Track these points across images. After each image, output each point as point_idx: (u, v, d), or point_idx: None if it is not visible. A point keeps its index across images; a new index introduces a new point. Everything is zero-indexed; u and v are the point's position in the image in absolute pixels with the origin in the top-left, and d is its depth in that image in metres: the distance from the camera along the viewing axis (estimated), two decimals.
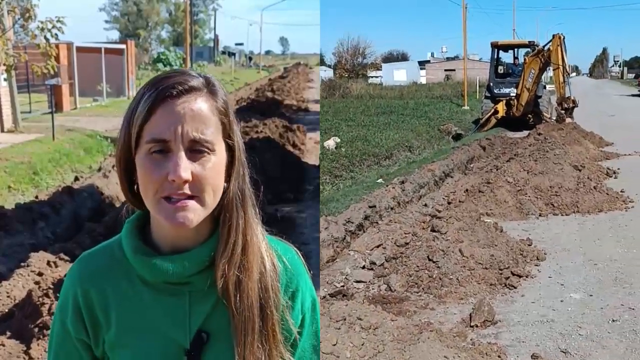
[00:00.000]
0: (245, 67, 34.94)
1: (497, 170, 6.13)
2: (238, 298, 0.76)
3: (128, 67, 15.27)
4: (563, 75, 9.38)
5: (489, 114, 10.98)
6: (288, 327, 0.80)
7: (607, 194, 5.40)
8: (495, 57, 11.54)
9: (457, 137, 10.78)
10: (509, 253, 3.75)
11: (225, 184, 0.77)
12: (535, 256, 3.87)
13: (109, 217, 4.88)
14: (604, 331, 2.82)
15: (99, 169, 7.15)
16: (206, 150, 0.73)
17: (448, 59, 29.31)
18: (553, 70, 9.66)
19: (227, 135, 0.77)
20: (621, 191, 5.48)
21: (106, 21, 48.15)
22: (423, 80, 24.93)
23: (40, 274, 3.52)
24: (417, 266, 3.50)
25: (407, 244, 3.72)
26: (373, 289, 3.44)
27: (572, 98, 9.32)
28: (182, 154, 0.72)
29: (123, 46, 15.64)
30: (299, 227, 4.96)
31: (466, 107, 14.35)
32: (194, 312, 0.78)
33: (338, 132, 8.75)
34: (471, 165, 7.89)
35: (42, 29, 6.67)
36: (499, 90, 11.01)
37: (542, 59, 9.85)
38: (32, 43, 7.31)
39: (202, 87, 0.75)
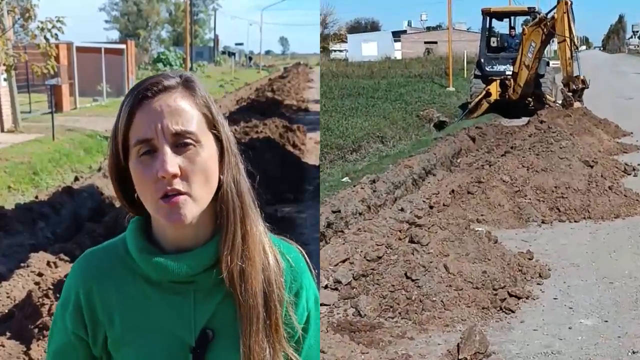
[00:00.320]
0: (245, 67, 34.85)
1: (489, 166, 5.08)
2: (243, 287, 0.77)
3: (128, 67, 15.29)
4: (570, 49, 7.73)
5: (480, 96, 9.06)
6: (291, 323, 0.81)
7: (625, 195, 4.50)
8: (488, 26, 9.53)
9: (440, 125, 9.03)
10: (505, 269, 3.09)
11: (221, 176, 0.78)
12: (538, 273, 3.24)
13: (109, 217, 4.86)
14: None
15: (99, 169, 7.15)
16: (191, 142, 0.74)
17: (429, 28, 24.74)
18: (558, 43, 8.00)
19: (212, 127, 0.77)
20: None
21: (106, 21, 48.27)
22: (398, 55, 20.91)
23: (40, 275, 3.50)
24: (393, 285, 2.84)
25: (379, 258, 3.00)
26: (338, 313, 2.80)
27: (582, 77, 7.77)
28: (167, 149, 0.73)
29: (123, 46, 15.66)
30: (299, 228, 4.92)
31: (451, 89, 11.94)
32: (199, 310, 0.78)
33: None
34: (458, 161, 6.63)
35: (42, 29, 6.69)
36: (492, 68, 9.04)
37: (545, 30, 8.02)
38: (32, 43, 7.33)
39: (177, 85, 0.77)
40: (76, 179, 6.72)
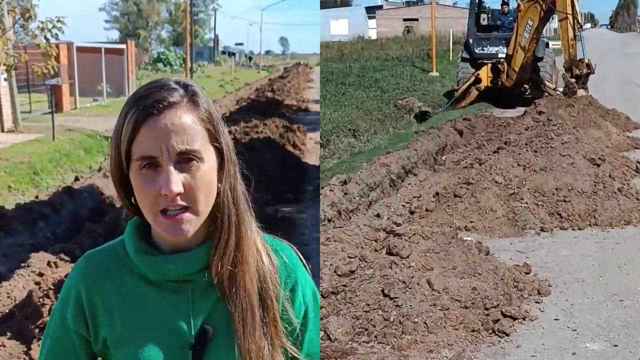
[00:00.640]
0: (245, 67, 34.87)
1: (480, 165, 4.40)
2: (234, 291, 0.79)
3: (128, 67, 15.30)
4: (573, 28, 6.74)
5: (468, 83, 8.08)
6: (289, 318, 0.83)
7: (638, 199, 3.96)
8: (477, 1, 8.50)
9: (422, 116, 8.12)
10: (498, 285, 2.70)
11: (219, 185, 0.79)
12: (536, 289, 2.84)
13: (109, 217, 4.86)
14: None
15: (99, 169, 7.17)
16: (194, 159, 0.76)
17: (408, 3, 22.54)
18: (559, 20, 6.98)
19: (214, 140, 0.79)
20: None
21: (106, 21, 48.33)
22: (372, 35, 19.11)
23: (40, 275, 3.51)
24: (368, 304, 2.45)
25: (352, 272, 2.60)
26: None
27: (587, 61, 6.77)
28: (171, 168, 0.75)
29: (123, 46, 15.66)
30: (299, 228, 4.88)
31: (435, 73, 10.74)
32: (197, 308, 0.80)
33: None
34: (443, 158, 5.81)
35: (42, 29, 6.70)
36: (482, 50, 8.04)
37: (544, 5, 7.00)
38: (32, 43, 7.34)
39: (182, 100, 0.77)
40: (76, 179, 6.73)
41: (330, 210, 3.77)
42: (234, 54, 38.60)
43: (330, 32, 18.24)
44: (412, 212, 3.93)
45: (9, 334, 2.88)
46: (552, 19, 7.88)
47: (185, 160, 0.76)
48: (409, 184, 4.81)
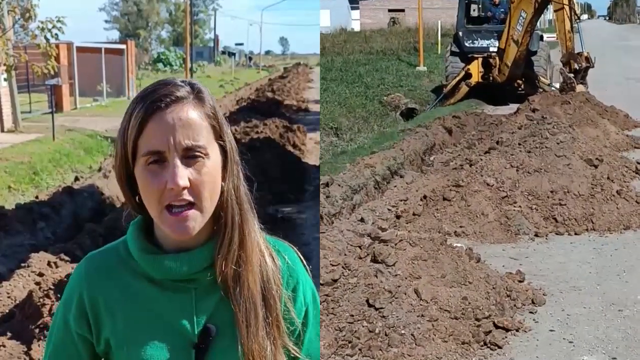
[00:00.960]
0: (245, 67, 34.90)
1: (470, 166, 4.15)
2: (238, 291, 0.80)
3: (128, 67, 15.29)
4: (570, 19, 6.39)
5: (457, 78, 7.68)
6: (291, 318, 0.83)
7: (637, 202, 3.76)
8: None
9: (408, 113, 7.70)
10: (490, 294, 2.56)
11: (222, 184, 0.80)
12: (530, 299, 2.70)
13: (110, 217, 4.86)
14: None
15: (99, 169, 7.17)
16: (200, 155, 0.77)
17: None
18: (554, 11, 6.64)
19: (218, 137, 0.80)
20: None
21: (106, 21, 48.45)
22: (356, 27, 18.19)
23: (40, 275, 3.48)
24: (351, 315, 2.33)
25: (334, 281, 2.44)
26: None
27: (586, 54, 6.44)
28: (178, 162, 0.76)
29: (123, 46, 15.65)
30: (300, 228, 4.85)
31: (422, 68, 10.31)
32: (200, 307, 0.81)
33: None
34: (431, 159, 5.55)
35: (42, 29, 6.69)
36: (473, 43, 7.65)
37: None
38: (32, 43, 7.32)
39: (189, 95, 0.78)
40: (76, 179, 6.73)
41: None
42: (234, 54, 38.56)
43: None
44: (398, 217, 3.69)
45: (9, 334, 2.87)
46: (547, 10, 7.46)
47: (192, 156, 0.76)
48: (395, 186, 4.54)
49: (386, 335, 2.28)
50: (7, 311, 3.19)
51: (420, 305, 2.37)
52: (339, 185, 4.06)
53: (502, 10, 7.82)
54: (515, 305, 2.63)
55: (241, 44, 57.15)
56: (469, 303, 2.44)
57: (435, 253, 2.66)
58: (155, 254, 0.81)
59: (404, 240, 2.68)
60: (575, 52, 6.55)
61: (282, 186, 5.88)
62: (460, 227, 3.58)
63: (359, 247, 2.66)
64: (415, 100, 8.18)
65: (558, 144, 4.14)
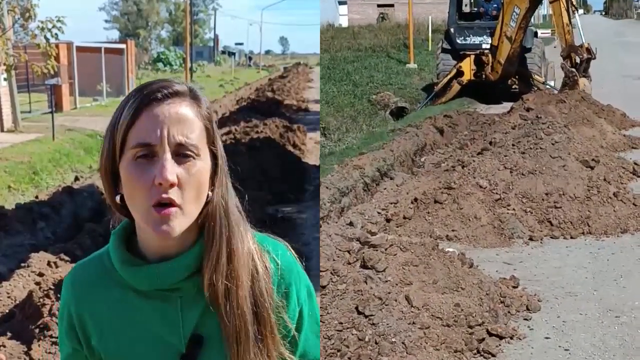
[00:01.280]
0: (245, 67, 34.86)
1: (462, 167, 4.00)
2: (228, 307, 0.77)
3: (128, 66, 15.29)
4: (568, 11, 6.14)
5: (449, 76, 7.43)
6: (285, 325, 0.81)
7: (635, 204, 3.63)
8: None
9: (398, 113, 7.44)
10: (483, 301, 2.48)
11: (210, 193, 0.77)
12: (525, 305, 2.62)
13: (110, 217, 4.87)
14: None
15: (99, 169, 7.18)
16: (192, 154, 0.74)
17: None
18: (550, 3, 6.29)
19: (211, 142, 0.77)
20: None
21: (106, 21, 48.42)
22: (344, 22, 17.49)
23: (40, 275, 3.46)
24: (340, 323, 2.25)
25: (323, 287, 2.38)
26: None
27: (586, 45, 6.17)
28: (168, 156, 0.72)
29: (123, 46, 15.63)
30: (300, 228, 4.80)
31: (412, 65, 9.92)
32: (186, 316, 0.79)
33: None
34: (422, 160, 5.36)
35: (42, 29, 6.64)
36: (465, 40, 7.39)
37: None
38: (32, 43, 7.28)
39: (186, 93, 0.76)
40: (76, 178, 6.75)
41: None
42: (233, 53, 38.51)
43: None
44: (388, 220, 3.58)
45: (9, 334, 2.85)
46: (542, 5, 7.19)
47: (183, 154, 0.73)
48: (385, 188, 4.38)
49: (376, 343, 2.20)
50: (7, 311, 3.17)
51: (412, 312, 2.30)
52: (327, 187, 3.94)
53: (495, 5, 7.57)
54: (509, 312, 2.56)
55: (241, 44, 57.31)
56: (462, 310, 2.37)
57: (427, 258, 2.58)
58: (136, 265, 0.78)
59: (395, 245, 2.58)
60: (576, 44, 6.32)
61: (282, 186, 5.87)
62: (453, 230, 3.47)
63: (348, 252, 2.57)
64: (405, 99, 7.96)
65: (553, 144, 4.00)
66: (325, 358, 2.20)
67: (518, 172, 3.85)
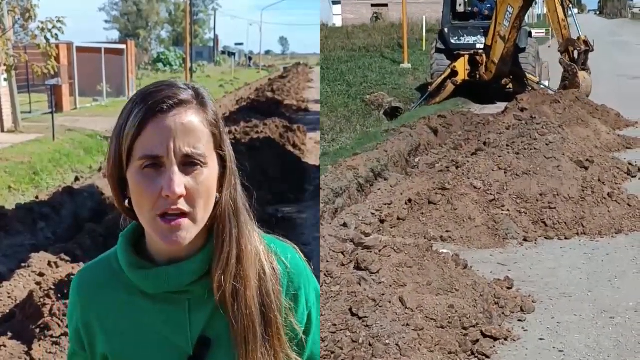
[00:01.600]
0: (245, 67, 34.81)
1: (457, 168, 3.97)
2: (236, 307, 0.77)
3: (128, 67, 15.23)
4: (563, 7, 6.13)
5: (443, 76, 7.40)
6: (292, 327, 0.81)
7: (629, 204, 3.58)
8: None
9: (392, 113, 7.38)
10: (477, 302, 2.45)
11: (218, 195, 0.77)
12: (519, 306, 2.59)
13: (110, 217, 4.84)
14: None
15: (100, 169, 7.17)
16: (199, 163, 0.73)
17: None
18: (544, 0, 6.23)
19: (218, 147, 0.77)
20: None
21: (106, 21, 48.44)
22: (337, 22, 17.38)
23: (41, 275, 3.47)
24: (334, 325, 2.23)
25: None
26: None
27: (584, 37, 6.08)
28: (176, 169, 0.72)
29: (123, 46, 15.57)
30: (300, 228, 4.79)
31: (406, 65, 9.90)
32: (194, 319, 0.78)
33: None
34: (416, 160, 5.32)
35: (42, 29, 6.63)
36: (459, 40, 7.37)
37: None
38: (32, 43, 7.26)
39: (192, 100, 0.75)
40: (76, 179, 6.75)
41: None
42: (233, 54, 38.47)
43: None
44: (382, 221, 3.54)
45: (9, 334, 2.85)
46: (535, 4, 7.19)
47: (190, 163, 0.73)
48: (379, 189, 4.31)
49: (370, 345, 2.17)
50: (8, 311, 3.18)
51: (406, 314, 2.27)
52: (321, 188, 3.93)
53: (489, 5, 7.52)
54: (503, 313, 2.53)
55: (241, 44, 57.37)
56: (456, 311, 2.34)
57: (421, 259, 2.54)
58: (144, 268, 0.78)
59: (388, 246, 2.55)
60: (573, 38, 6.26)
61: (282, 186, 5.86)
62: (447, 231, 3.43)
63: (342, 253, 2.54)
64: (399, 99, 7.88)
65: (547, 144, 3.96)
66: None
67: (512, 173, 3.82)
